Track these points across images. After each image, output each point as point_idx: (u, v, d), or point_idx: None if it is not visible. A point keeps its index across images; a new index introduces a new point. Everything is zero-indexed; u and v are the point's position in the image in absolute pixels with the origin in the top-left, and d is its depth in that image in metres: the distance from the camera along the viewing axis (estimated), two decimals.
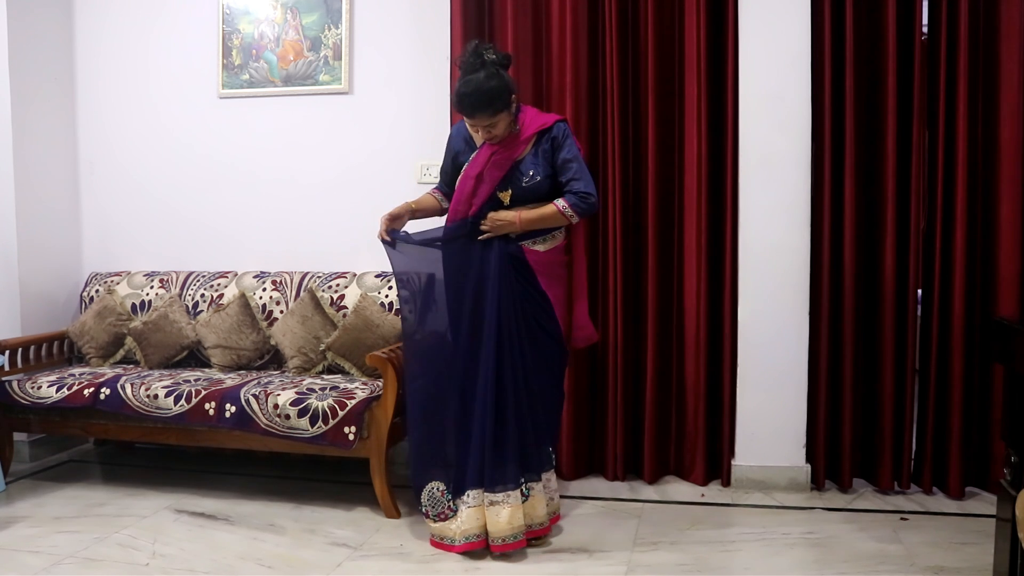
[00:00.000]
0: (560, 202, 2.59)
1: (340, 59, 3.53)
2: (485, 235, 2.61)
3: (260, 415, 2.90)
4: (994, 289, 2.95)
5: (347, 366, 3.26)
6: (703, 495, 3.10)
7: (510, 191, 2.60)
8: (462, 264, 2.64)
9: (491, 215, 2.60)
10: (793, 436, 3.08)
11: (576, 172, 2.58)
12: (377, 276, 3.40)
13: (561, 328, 2.70)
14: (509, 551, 2.52)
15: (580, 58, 3.15)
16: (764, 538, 2.69)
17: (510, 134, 2.59)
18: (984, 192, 2.97)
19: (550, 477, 2.69)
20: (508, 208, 2.61)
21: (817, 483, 3.10)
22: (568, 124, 2.68)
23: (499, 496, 2.52)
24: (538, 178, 2.60)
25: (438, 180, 2.88)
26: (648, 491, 3.15)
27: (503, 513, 2.51)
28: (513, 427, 2.54)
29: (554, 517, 2.72)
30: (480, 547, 2.55)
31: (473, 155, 2.64)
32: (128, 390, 3.06)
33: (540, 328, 2.64)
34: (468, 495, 2.55)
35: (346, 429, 2.82)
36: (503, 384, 2.55)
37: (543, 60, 3.22)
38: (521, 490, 2.55)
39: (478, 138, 2.63)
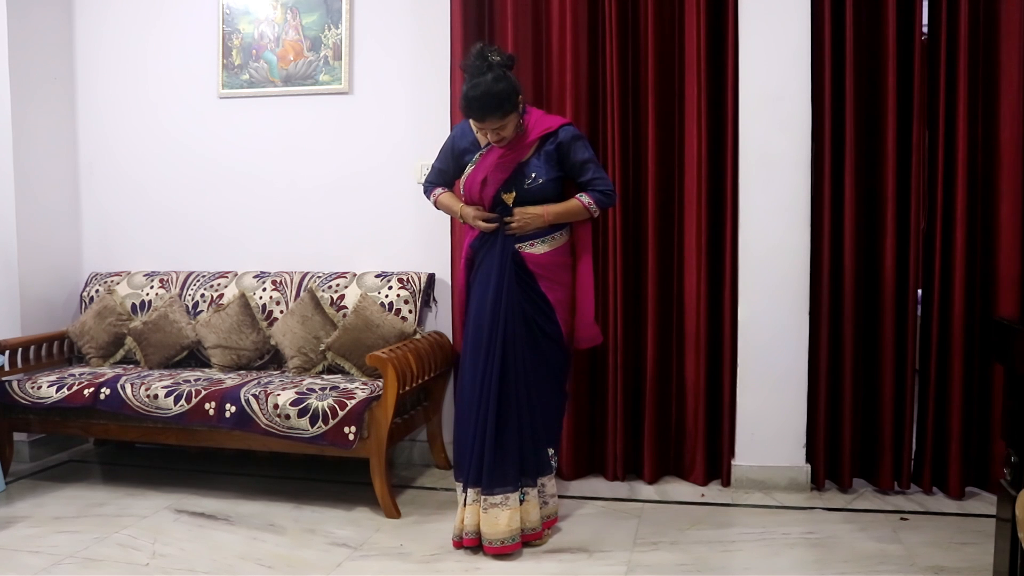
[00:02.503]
0: (585, 198, 2.63)
1: (340, 59, 3.53)
2: (513, 231, 2.61)
3: (260, 415, 2.90)
4: (994, 289, 2.95)
5: (347, 366, 3.26)
6: (703, 495, 3.10)
7: (514, 192, 2.60)
8: (482, 261, 2.66)
9: (518, 210, 2.60)
10: (793, 436, 3.08)
11: (595, 171, 2.64)
12: (377, 276, 3.40)
13: (563, 331, 2.69)
14: (505, 553, 2.52)
15: (580, 58, 3.15)
16: (764, 538, 2.69)
17: (516, 136, 2.58)
18: (984, 192, 2.97)
19: (546, 482, 2.67)
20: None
21: (817, 483, 3.10)
22: (575, 127, 2.68)
23: (498, 498, 2.52)
24: (541, 180, 2.59)
25: (434, 178, 2.80)
26: (648, 491, 3.15)
27: (502, 515, 2.51)
28: (514, 430, 2.54)
29: (549, 521, 2.70)
30: (474, 544, 2.55)
31: (479, 157, 2.64)
32: (128, 390, 3.06)
33: (541, 331, 2.63)
34: (468, 493, 2.56)
35: (346, 429, 2.82)
36: (506, 386, 2.54)
37: (543, 60, 3.22)
38: (518, 494, 2.55)
39: (483, 139, 2.63)
